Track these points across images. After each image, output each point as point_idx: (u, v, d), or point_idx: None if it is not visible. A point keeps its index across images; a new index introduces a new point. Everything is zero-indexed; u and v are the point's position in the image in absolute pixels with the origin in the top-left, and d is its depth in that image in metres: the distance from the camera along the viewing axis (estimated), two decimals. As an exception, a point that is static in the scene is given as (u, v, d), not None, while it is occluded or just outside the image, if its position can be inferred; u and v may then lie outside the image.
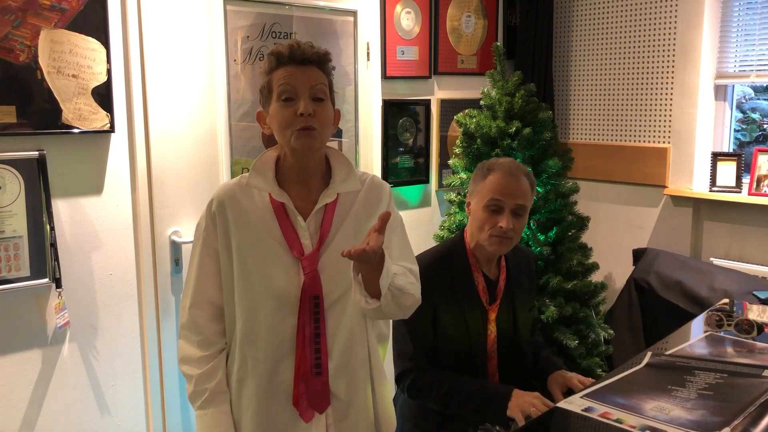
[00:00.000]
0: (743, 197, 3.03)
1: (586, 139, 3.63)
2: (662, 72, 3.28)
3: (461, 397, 1.91)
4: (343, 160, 1.58)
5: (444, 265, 2.02)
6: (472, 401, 1.90)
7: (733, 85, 3.21)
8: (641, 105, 3.38)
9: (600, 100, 3.55)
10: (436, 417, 1.99)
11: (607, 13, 3.47)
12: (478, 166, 2.04)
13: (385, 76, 3.12)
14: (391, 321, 1.91)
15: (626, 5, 3.39)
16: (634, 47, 3.37)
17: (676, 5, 3.19)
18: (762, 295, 2.57)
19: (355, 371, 1.57)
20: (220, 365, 1.55)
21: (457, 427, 1.97)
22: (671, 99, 3.26)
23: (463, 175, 3.09)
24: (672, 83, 3.25)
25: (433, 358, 2.00)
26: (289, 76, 1.44)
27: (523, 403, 1.83)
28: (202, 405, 1.53)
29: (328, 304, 1.51)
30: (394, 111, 3.19)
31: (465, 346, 2.01)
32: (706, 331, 2.15)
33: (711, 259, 3.16)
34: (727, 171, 3.11)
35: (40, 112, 2.15)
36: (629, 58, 3.40)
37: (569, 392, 1.94)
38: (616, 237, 3.50)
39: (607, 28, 3.48)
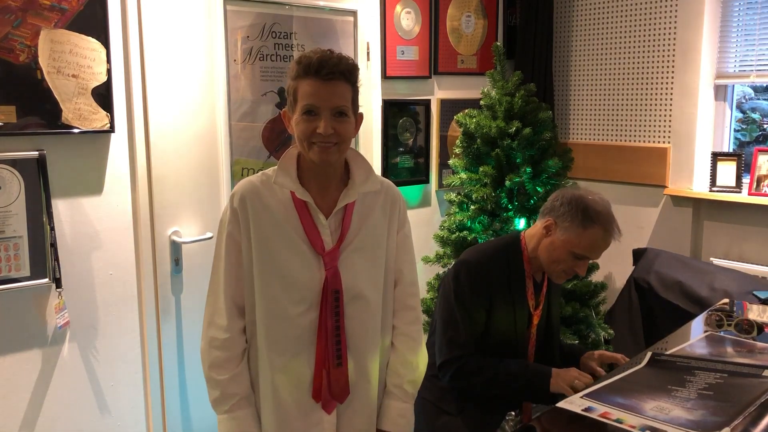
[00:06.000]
0: (743, 197, 3.03)
1: (586, 139, 3.63)
2: (662, 72, 3.28)
3: (506, 379, 2.00)
4: (362, 161, 1.63)
5: (503, 263, 2.09)
6: (517, 381, 2.00)
7: (733, 85, 3.21)
8: (641, 105, 3.37)
9: (600, 100, 3.55)
10: (458, 401, 2.08)
11: (607, 13, 3.47)
12: (579, 202, 1.99)
13: (385, 76, 3.12)
14: (440, 305, 2.13)
15: (626, 5, 3.39)
16: (634, 47, 3.37)
17: (676, 5, 3.19)
18: (762, 295, 2.57)
19: (366, 363, 1.62)
20: (245, 368, 1.59)
21: (477, 410, 2.06)
22: (671, 99, 3.26)
23: (463, 175, 3.09)
24: (672, 83, 3.24)
25: (479, 346, 2.07)
26: (313, 94, 1.47)
27: (568, 378, 1.93)
28: (230, 409, 1.56)
29: (347, 299, 1.56)
30: (394, 111, 3.19)
31: (510, 343, 2.09)
32: (706, 331, 2.15)
33: (711, 259, 3.15)
34: (727, 171, 3.11)
35: (40, 112, 2.15)
36: (629, 58, 3.40)
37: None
38: (616, 237, 3.49)
39: (607, 28, 3.48)
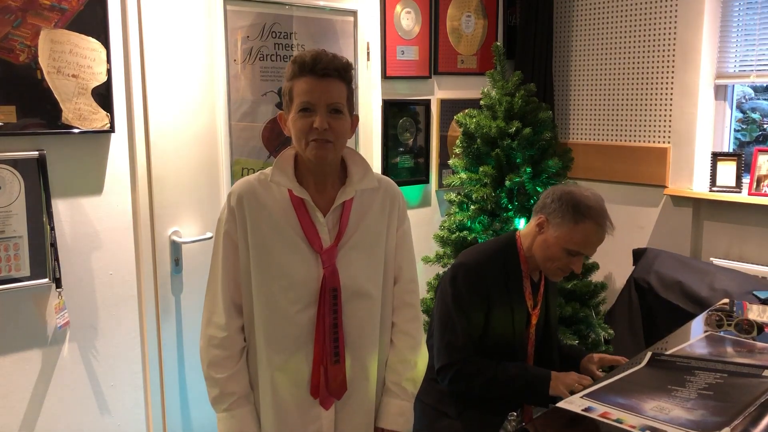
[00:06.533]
0: (743, 197, 3.03)
1: (586, 139, 3.63)
2: (662, 72, 3.28)
3: (505, 381, 1.99)
4: (360, 159, 1.63)
5: (500, 264, 2.08)
6: (516, 384, 1.99)
7: (733, 85, 3.21)
8: (641, 105, 3.38)
9: (600, 100, 3.55)
10: (457, 404, 2.07)
11: (607, 13, 3.47)
12: (569, 197, 1.99)
13: (385, 76, 3.12)
14: (436, 310, 2.14)
15: (626, 5, 3.39)
16: (634, 47, 3.37)
17: (676, 5, 3.19)
18: (762, 295, 2.57)
19: (365, 360, 1.62)
20: (244, 367, 1.60)
21: (476, 412, 2.06)
22: (671, 99, 3.26)
23: (463, 175, 3.09)
24: (672, 83, 3.25)
25: (477, 348, 2.07)
26: (309, 91, 1.49)
27: (568, 380, 1.93)
28: (229, 407, 1.57)
29: (345, 296, 1.56)
30: (394, 111, 3.19)
31: (509, 344, 2.09)
32: (706, 331, 2.15)
33: (711, 259, 3.15)
34: (727, 171, 3.11)
35: (40, 112, 2.15)
36: (629, 58, 3.40)
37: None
38: (616, 237, 3.47)
39: (607, 28, 3.48)
